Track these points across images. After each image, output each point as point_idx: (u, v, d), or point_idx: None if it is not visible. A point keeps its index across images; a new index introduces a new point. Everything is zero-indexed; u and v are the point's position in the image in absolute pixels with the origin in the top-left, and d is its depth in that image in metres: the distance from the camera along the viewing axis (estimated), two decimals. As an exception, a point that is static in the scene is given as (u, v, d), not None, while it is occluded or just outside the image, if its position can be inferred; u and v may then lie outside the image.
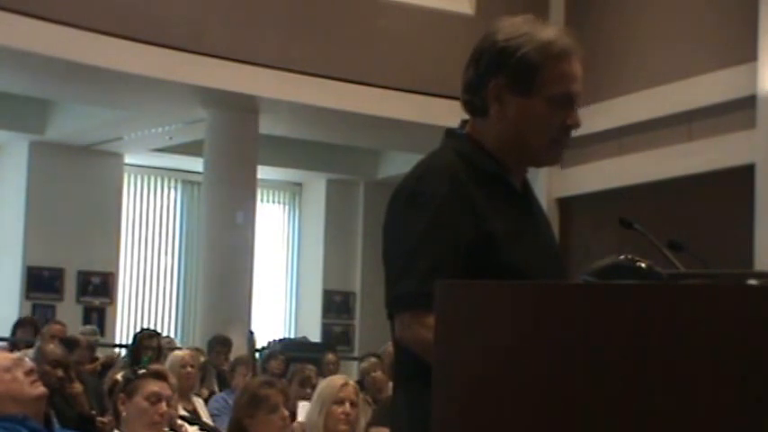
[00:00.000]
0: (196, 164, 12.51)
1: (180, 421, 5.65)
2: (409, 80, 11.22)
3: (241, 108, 11.14)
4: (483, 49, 2.40)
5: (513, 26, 2.39)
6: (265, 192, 15.13)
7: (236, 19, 10.63)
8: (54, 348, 6.16)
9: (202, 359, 8.73)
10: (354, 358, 12.96)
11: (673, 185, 10.21)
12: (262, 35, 10.74)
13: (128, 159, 14.16)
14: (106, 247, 13.76)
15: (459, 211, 2.27)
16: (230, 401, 6.70)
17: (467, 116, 2.47)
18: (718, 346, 1.41)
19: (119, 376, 5.90)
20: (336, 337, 14.79)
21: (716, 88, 9.81)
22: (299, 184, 15.83)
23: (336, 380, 5.16)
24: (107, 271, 13.86)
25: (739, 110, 9.61)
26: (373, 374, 8.41)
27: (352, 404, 4.89)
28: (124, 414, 4.21)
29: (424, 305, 2.05)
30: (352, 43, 11.17)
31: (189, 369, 7.33)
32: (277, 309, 15.52)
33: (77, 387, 6.09)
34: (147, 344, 8.42)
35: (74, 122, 12.90)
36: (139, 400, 4.19)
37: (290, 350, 11.11)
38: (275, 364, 9.42)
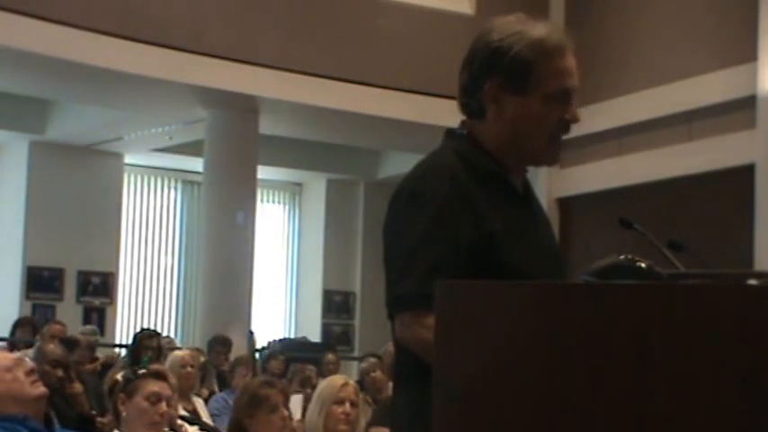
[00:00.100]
0: (196, 164, 12.50)
1: (180, 421, 5.64)
2: (409, 80, 11.22)
3: (241, 108, 11.13)
4: (476, 50, 2.39)
5: (505, 25, 2.37)
6: (265, 192, 15.11)
7: (236, 19, 10.63)
8: (54, 348, 6.16)
9: (202, 359, 8.73)
10: (354, 358, 12.95)
11: (673, 185, 10.20)
12: (262, 35, 10.74)
13: (128, 159, 14.16)
14: (106, 247, 13.75)
15: (459, 211, 2.26)
16: (230, 401, 6.69)
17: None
18: (718, 346, 1.41)
19: (119, 376, 5.90)
20: (336, 337, 14.79)
21: (716, 88, 9.81)
22: (299, 184, 15.82)
23: (336, 380, 5.16)
24: (107, 271, 13.85)
25: (739, 110, 9.60)
26: (373, 374, 8.41)
27: (352, 404, 4.89)
28: (124, 414, 4.21)
29: (424, 305, 2.05)
30: (352, 43, 11.17)
31: (189, 369, 7.34)
32: (277, 309, 15.50)
33: (77, 387, 6.09)
34: (147, 344, 8.42)
35: (74, 122, 12.89)
36: (139, 400, 4.19)
37: (290, 350, 11.11)
38: (275, 365, 9.42)
